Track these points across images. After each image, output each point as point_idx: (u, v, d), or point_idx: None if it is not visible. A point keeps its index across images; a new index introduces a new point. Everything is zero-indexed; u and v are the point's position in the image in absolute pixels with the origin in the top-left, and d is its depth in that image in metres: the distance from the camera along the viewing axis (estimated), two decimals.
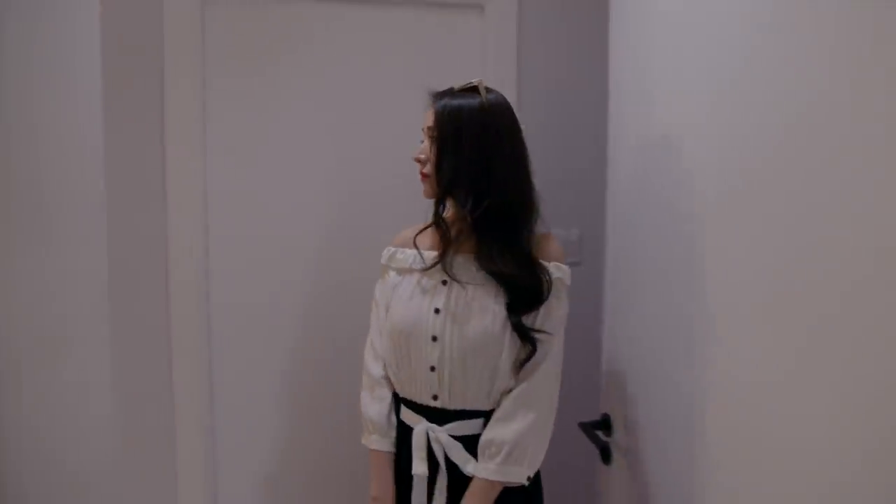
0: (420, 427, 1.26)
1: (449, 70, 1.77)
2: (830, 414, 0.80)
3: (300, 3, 1.77)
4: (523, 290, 1.22)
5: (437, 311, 1.25)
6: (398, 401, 1.33)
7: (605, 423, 1.45)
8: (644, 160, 1.32)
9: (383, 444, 1.31)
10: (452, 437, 1.24)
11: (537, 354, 1.23)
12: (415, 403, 1.29)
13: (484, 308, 1.23)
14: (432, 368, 1.24)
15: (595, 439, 1.44)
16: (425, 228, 1.32)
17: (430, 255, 1.29)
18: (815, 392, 0.82)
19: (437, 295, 1.26)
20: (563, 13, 1.87)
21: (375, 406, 1.32)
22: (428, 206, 1.31)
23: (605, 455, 1.43)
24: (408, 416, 1.30)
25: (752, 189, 0.97)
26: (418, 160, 1.30)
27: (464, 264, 1.27)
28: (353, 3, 1.78)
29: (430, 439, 1.25)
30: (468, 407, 1.25)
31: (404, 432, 1.30)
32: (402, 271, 1.33)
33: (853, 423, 0.77)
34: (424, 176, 1.29)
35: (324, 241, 1.83)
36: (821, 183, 0.82)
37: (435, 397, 1.26)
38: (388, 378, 1.34)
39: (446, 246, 1.27)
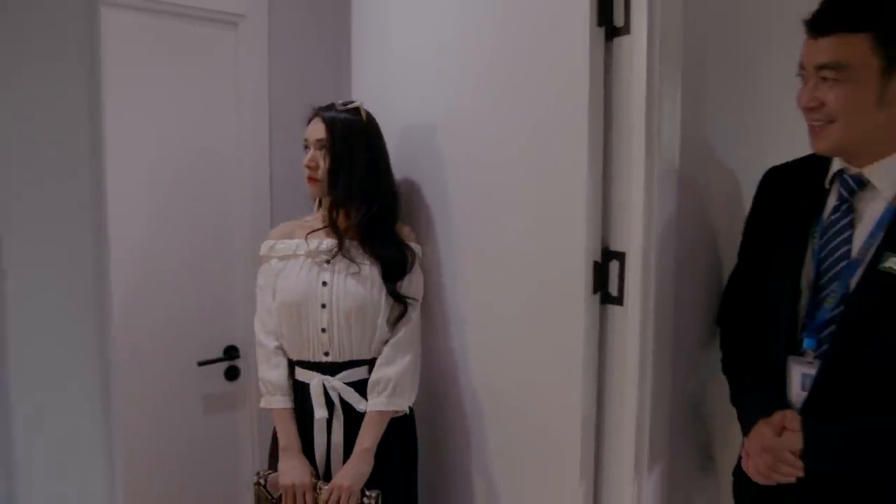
0: (316, 380, 1.53)
1: (205, 76, 1.97)
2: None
3: None
4: (397, 265, 1.55)
5: (324, 283, 1.53)
6: (291, 365, 1.57)
7: None
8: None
9: (286, 402, 1.54)
10: (345, 383, 1.53)
11: (408, 312, 1.56)
12: (309, 362, 1.55)
13: (363, 279, 1.53)
14: (323, 330, 1.53)
15: None
16: (316, 230, 1.57)
17: (315, 241, 1.56)
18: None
19: (322, 272, 1.54)
20: (309, 25, 2.13)
21: (275, 371, 1.55)
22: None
23: None
24: (303, 374, 1.56)
25: (464, 176, 1.55)
26: (309, 167, 1.54)
27: (350, 251, 1.56)
28: (113, 7, 1.82)
29: (327, 388, 1.52)
30: (354, 358, 1.54)
31: (300, 390, 1.55)
32: (285, 258, 1.57)
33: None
34: (314, 181, 1.55)
35: None
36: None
37: (326, 353, 1.54)
38: (281, 348, 1.57)
39: (340, 239, 1.54)
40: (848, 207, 1.14)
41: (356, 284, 1.53)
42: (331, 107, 1.57)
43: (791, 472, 1.11)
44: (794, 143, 1.28)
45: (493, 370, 1.54)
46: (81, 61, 0.55)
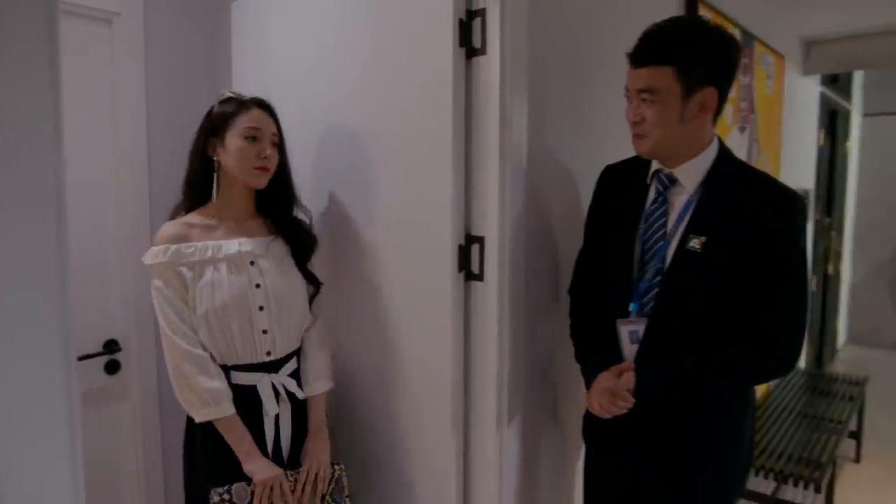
0: (265, 380, 1.53)
1: (82, 74, 1.97)
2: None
3: None
4: (307, 245, 1.61)
5: (258, 286, 1.51)
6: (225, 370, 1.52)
7: None
8: None
9: (232, 407, 1.48)
10: (287, 375, 1.56)
11: (319, 292, 1.64)
12: (251, 364, 1.52)
13: (288, 268, 1.57)
14: (264, 332, 1.52)
15: None
16: (198, 224, 1.52)
17: (234, 243, 1.51)
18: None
19: (252, 273, 1.51)
20: (188, 25, 2.17)
21: (217, 380, 1.48)
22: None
23: None
24: (244, 377, 1.52)
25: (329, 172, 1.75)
26: (266, 157, 1.51)
27: (261, 241, 1.56)
28: None
29: (275, 385, 1.54)
30: (289, 351, 1.58)
31: (241, 393, 1.51)
32: (199, 263, 1.48)
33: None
34: (266, 170, 1.52)
35: None
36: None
37: (269, 353, 1.53)
38: (212, 356, 1.50)
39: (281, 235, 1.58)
40: (663, 199, 1.44)
41: (285, 281, 1.56)
42: (264, 101, 1.57)
43: (625, 405, 1.39)
44: (619, 146, 1.58)
45: (378, 348, 1.70)
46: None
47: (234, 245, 1.51)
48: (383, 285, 1.65)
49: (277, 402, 1.54)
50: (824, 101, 4.65)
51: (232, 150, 1.50)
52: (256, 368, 1.53)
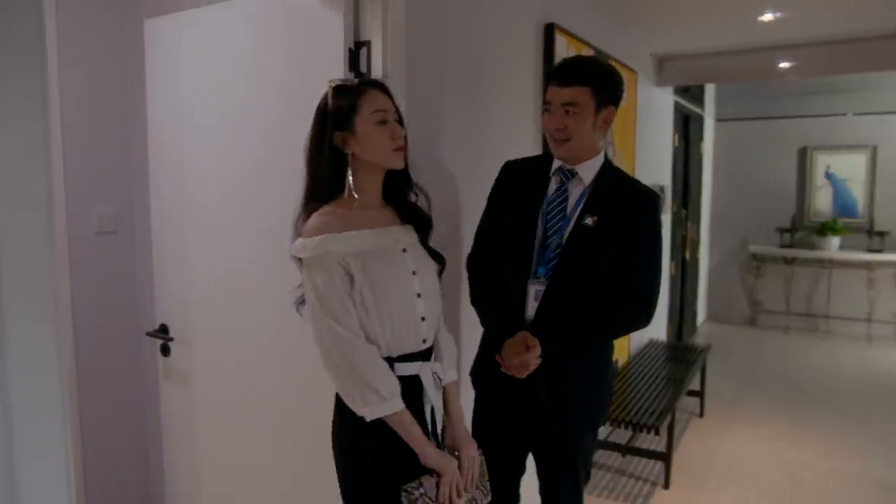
0: (426, 369, 1.52)
1: None
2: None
3: None
4: (430, 228, 1.61)
5: (414, 273, 1.51)
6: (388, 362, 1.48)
7: (163, 329, 2.24)
8: (180, 153, 2.14)
9: (402, 400, 1.44)
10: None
11: (444, 266, 1.62)
12: (412, 354, 1.50)
13: (425, 253, 1.57)
14: (423, 319, 1.51)
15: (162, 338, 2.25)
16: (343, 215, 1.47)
17: (379, 231, 1.49)
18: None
19: (407, 261, 1.51)
20: (98, 42, 2.39)
21: (388, 375, 1.43)
22: None
23: (165, 349, 2.24)
24: (405, 367, 1.49)
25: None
26: (400, 136, 1.49)
27: (404, 228, 1.56)
28: None
29: (433, 374, 1.54)
30: (434, 337, 1.58)
31: (402, 385, 1.46)
32: (362, 254, 1.43)
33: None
34: (401, 150, 1.50)
35: None
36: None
37: (424, 341, 1.53)
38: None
39: (425, 222, 1.59)
40: (564, 189, 1.84)
41: (429, 265, 1.56)
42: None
43: (536, 364, 1.74)
44: (501, 150, 1.96)
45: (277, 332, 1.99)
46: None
47: (388, 233, 1.50)
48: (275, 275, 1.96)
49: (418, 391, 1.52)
50: (678, 109, 5.33)
51: (365, 137, 1.45)
52: (416, 357, 1.51)
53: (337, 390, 1.47)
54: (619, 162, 3.66)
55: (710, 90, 6.74)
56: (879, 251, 6.37)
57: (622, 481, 3.42)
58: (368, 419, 1.42)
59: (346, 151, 1.47)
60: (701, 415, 4.32)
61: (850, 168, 6.58)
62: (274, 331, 1.99)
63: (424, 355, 1.53)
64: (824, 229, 6.48)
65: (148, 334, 2.26)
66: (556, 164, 1.87)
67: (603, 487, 3.34)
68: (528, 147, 2.63)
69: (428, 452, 1.46)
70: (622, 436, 3.65)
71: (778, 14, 3.61)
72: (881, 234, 6.42)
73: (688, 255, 6.01)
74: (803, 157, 6.77)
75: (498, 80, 2.45)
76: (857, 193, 6.57)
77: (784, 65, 4.65)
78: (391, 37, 1.78)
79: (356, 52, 1.78)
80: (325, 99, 1.49)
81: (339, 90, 1.47)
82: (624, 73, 3.66)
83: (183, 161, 2.13)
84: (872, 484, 3.38)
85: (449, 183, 2.17)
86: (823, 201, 6.72)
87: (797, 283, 6.84)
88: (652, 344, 4.54)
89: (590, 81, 1.75)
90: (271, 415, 2.03)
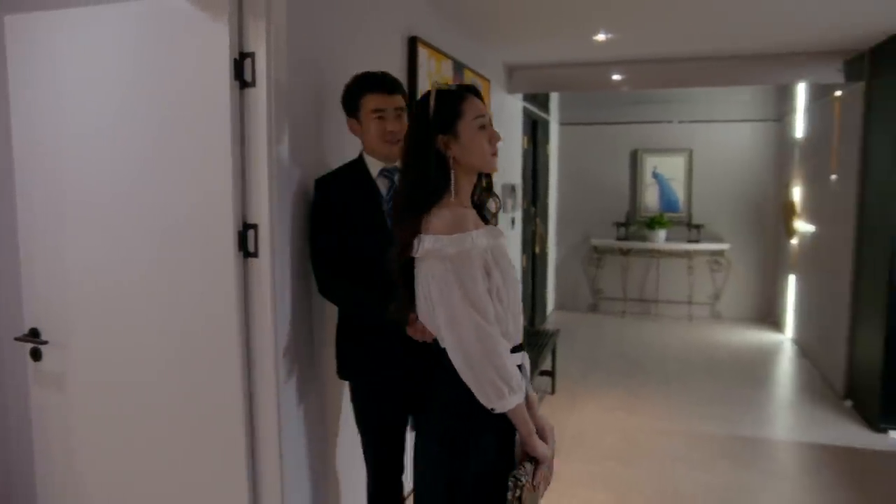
0: (526, 358, 1.60)
1: None
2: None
3: None
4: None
5: (512, 265, 1.59)
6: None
7: (34, 333, 2.21)
8: (51, 153, 2.13)
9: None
10: None
11: None
12: (519, 345, 1.57)
13: None
14: (522, 308, 1.61)
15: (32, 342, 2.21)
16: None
17: (492, 228, 1.60)
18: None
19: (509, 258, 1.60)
20: None
21: (515, 367, 1.50)
22: None
23: (36, 354, 2.20)
24: (515, 359, 1.53)
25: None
26: (498, 140, 1.60)
27: (496, 227, 1.66)
28: None
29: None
30: None
31: None
32: (488, 249, 1.51)
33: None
34: (496, 154, 1.62)
35: None
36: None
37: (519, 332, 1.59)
38: None
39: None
40: (393, 186, 2.05)
41: None
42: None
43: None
44: (346, 156, 2.15)
45: (175, 314, 2.07)
46: None
47: (491, 232, 1.56)
48: (181, 264, 2.02)
49: None
50: (527, 114, 5.80)
51: (468, 141, 1.53)
52: (520, 348, 1.57)
53: (470, 385, 1.45)
54: None
55: (554, 97, 7.35)
56: (697, 241, 7.31)
57: None
58: (499, 411, 1.45)
59: (448, 155, 1.53)
60: (553, 392, 4.78)
61: (673, 169, 7.48)
62: (155, 331, 2.05)
63: (522, 345, 1.60)
64: (653, 223, 7.31)
65: (17, 339, 2.21)
66: (376, 167, 2.07)
67: None
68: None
69: (538, 442, 1.52)
70: None
71: (610, 35, 4.11)
72: (698, 226, 7.36)
73: (537, 250, 6.54)
74: (635, 158, 7.58)
75: None
76: (679, 191, 7.48)
77: (617, 77, 5.24)
78: (274, 48, 1.92)
79: (241, 61, 1.90)
80: (425, 102, 1.54)
81: (442, 95, 1.54)
82: (479, 82, 4.01)
83: (55, 161, 2.12)
84: (689, 437, 3.98)
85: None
86: (652, 198, 7.58)
87: (631, 272, 7.65)
88: None
89: (403, 90, 2.08)
90: (154, 416, 2.09)
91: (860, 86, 4.52)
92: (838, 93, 5.03)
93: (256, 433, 2.04)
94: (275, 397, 2.02)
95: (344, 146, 2.36)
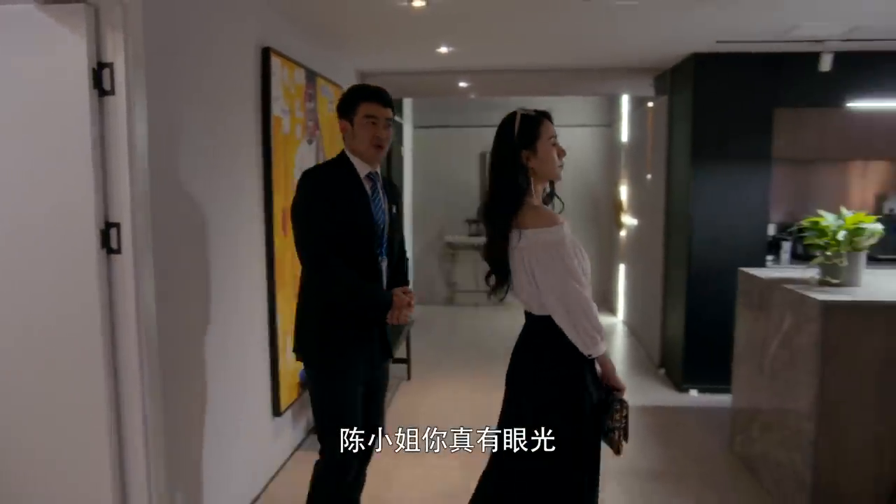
0: None
1: None
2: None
3: None
4: None
5: None
6: None
7: None
8: None
9: None
10: None
11: None
12: None
13: None
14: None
15: None
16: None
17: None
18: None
19: None
20: None
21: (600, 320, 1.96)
22: None
23: None
24: None
25: None
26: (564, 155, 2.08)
27: None
28: None
29: None
30: None
31: None
32: (569, 236, 1.97)
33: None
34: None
35: None
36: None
37: None
38: None
39: None
40: (377, 188, 2.32)
41: None
42: None
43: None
44: (228, 157, 2.33)
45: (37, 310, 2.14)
46: None
47: (568, 225, 2.00)
48: (44, 263, 2.11)
49: None
50: None
51: (544, 155, 2.00)
52: None
53: (571, 337, 1.93)
54: None
55: (408, 102, 7.71)
56: None
57: None
58: (595, 356, 1.97)
59: (528, 166, 1.99)
60: (408, 378, 5.13)
61: None
62: (17, 327, 2.13)
63: None
64: None
65: None
66: (364, 169, 2.31)
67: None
68: (251, 154, 3.05)
69: (618, 379, 2.08)
70: None
71: (451, 48, 4.51)
72: None
73: None
74: (483, 160, 8.12)
75: (225, 96, 2.82)
76: None
77: (463, 85, 5.69)
78: (132, 59, 2.07)
79: (99, 71, 2.03)
80: (510, 123, 2.03)
81: (526, 118, 2.01)
82: (330, 88, 4.25)
83: None
84: None
85: (186, 188, 2.48)
86: None
87: (483, 265, 8.14)
88: None
89: (393, 106, 2.31)
90: (15, 417, 2.16)
91: (665, 99, 5.28)
92: (650, 104, 5.82)
93: (122, 419, 2.17)
94: (140, 387, 2.16)
95: (202, 151, 2.52)
